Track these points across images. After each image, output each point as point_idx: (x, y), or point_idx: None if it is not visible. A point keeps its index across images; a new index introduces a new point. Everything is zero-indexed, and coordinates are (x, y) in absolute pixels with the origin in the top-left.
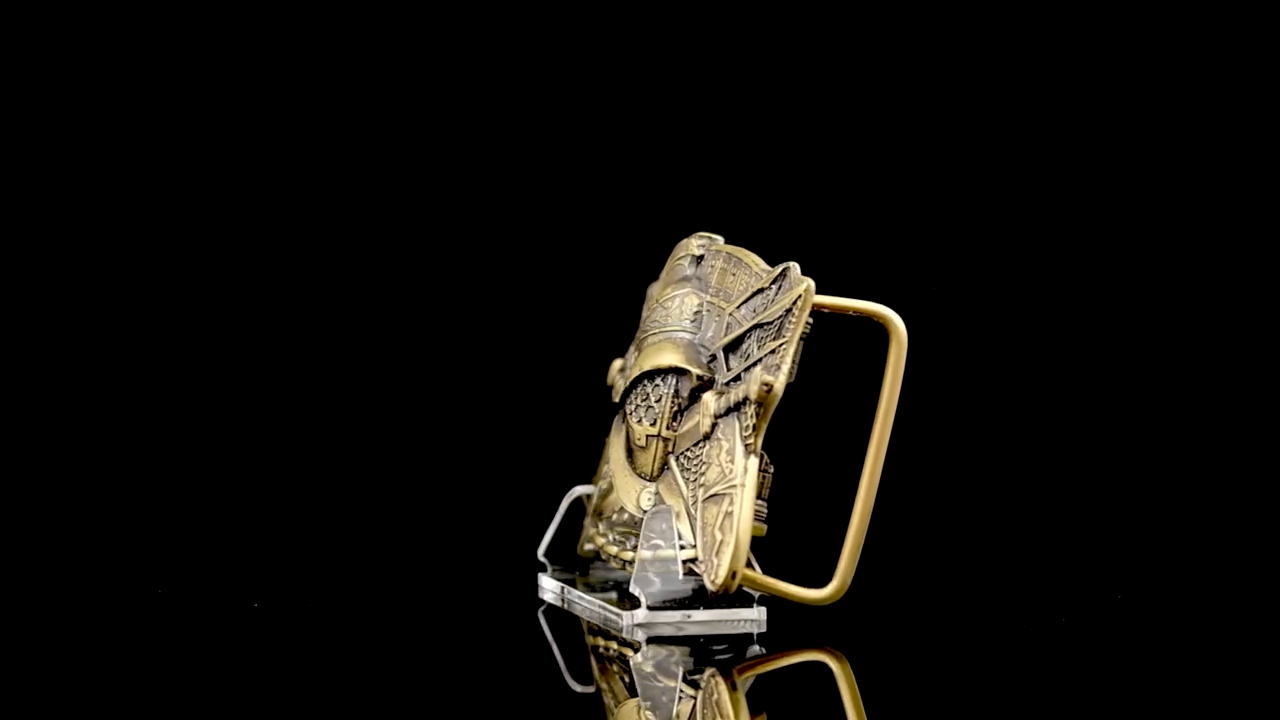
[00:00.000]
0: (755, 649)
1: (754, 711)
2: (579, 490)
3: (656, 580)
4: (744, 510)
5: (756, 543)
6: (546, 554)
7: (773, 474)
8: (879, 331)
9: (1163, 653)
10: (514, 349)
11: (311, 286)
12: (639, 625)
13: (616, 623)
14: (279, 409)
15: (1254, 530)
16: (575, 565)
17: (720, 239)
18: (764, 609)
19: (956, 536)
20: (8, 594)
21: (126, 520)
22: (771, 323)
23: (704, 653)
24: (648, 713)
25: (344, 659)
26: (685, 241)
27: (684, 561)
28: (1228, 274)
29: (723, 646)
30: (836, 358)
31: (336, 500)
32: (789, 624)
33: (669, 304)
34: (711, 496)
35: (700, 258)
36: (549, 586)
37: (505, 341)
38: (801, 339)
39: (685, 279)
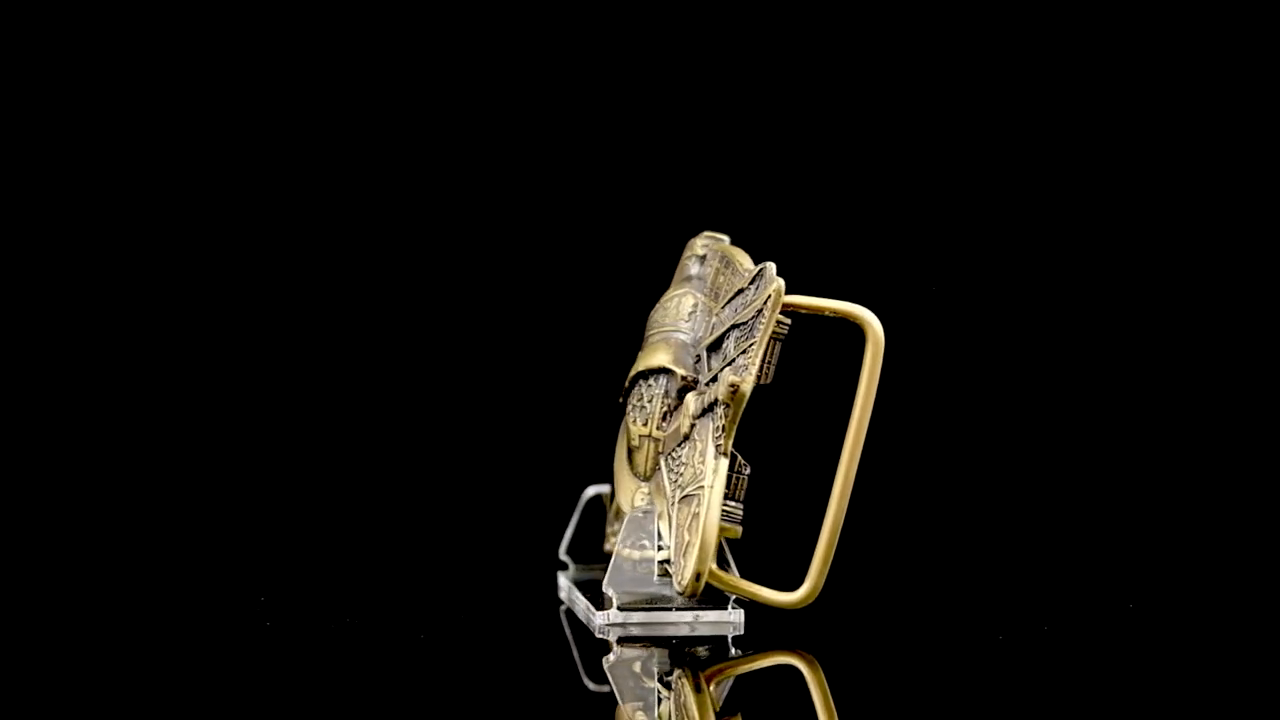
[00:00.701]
0: (733, 651)
1: (723, 714)
2: (593, 490)
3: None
4: (710, 512)
5: (733, 544)
6: (569, 553)
7: (749, 475)
8: (858, 332)
9: (1142, 657)
10: (537, 347)
11: (330, 296)
12: (611, 625)
13: (591, 621)
14: (302, 414)
15: (1236, 536)
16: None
17: (726, 239)
18: (741, 611)
19: (932, 540)
20: (8, 594)
21: (168, 527)
22: (746, 323)
23: (678, 654)
24: (639, 714)
25: (366, 658)
26: (692, 241)
27: (660, 562)
28: (1218, 273)
29: (697, 649)
30: (816, 359)
31: (359, 503)
32: (764, 627)
33: (669, 304)
34: (685, 498)
35: (704, 257)
36: (564, 585)
37: (527, 340)
38: (774, 340)
39: (688, 279)
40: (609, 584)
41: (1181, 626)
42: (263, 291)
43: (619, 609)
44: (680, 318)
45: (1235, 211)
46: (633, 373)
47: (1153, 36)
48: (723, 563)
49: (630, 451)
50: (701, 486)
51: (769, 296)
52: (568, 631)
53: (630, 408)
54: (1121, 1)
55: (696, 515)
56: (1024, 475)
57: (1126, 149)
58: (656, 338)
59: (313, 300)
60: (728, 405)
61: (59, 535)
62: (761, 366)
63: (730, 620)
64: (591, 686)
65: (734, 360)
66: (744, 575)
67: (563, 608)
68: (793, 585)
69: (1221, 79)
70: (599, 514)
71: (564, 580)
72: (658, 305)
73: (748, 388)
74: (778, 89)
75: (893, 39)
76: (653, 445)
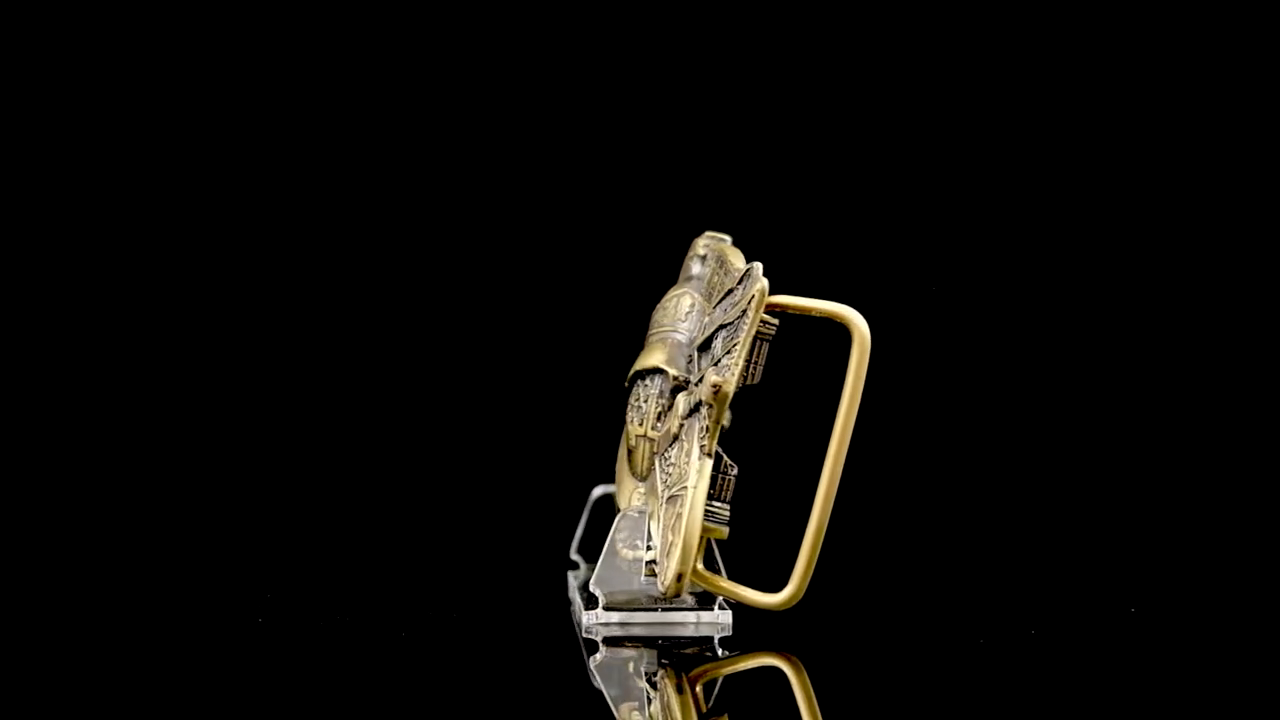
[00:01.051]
0: (720, 652)
1: (708, 715)
2: (600, 489)
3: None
4: (692, 513)
5: (720, 545)
6: (580, 552)
7: (735, 476)
8: (844, 333)
9: (1129, 660)
10: (546, 347)
11: (337, 298)
12: (598, 625)
13: (582, 621)
14: (316, 417)
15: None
16: None
17: (728, 239)
18: (729, 612)
19: (917, 543)
20: (9, 595)
21: (185, 534)
22: (732, 323)
23: (664, 654)
24: (629, 714)
25: (370, 657)
26: (695, 241)
27: (647, 563)
28: (1216, 273)
29: (690, 650)
30: (804, 359)
31: (369, 502)
32: (749, 628)
33: (669, 304)
34: (671, 498)
35: (705, 257)
36: (573, 585)
37: (535, 340)
38: (759, 340)
39: (689, 278)
40: (596, 584)
41: (1172, 627)
42: (268, 293)
43: (605, 609)
44: (679, 318)
45: (1232, 211)
46: (630, 373)
47: (1148, 36)
48: (711, 564)
49: (630, 451)
50: (685, 487)
51: (753, 296)
52: (578, 631)
53: (629, 408)
54: (1119, 1)
55: (680, 516)
56: (1011, 477)
57: (1119, 151)
58: (655, 338)
59: (319, 303)
60: (711, 405)
61: (59, 535)
62: (747, 367)
63: (718, 622)
64: (598, 686)
65: (719, 360)
66: (729, 576)
67: (572, 607)
68: (777, 586)
69: (1218, 79)
70: (610, 514)
71: (573, 580)
72: (659, 305)
73: (730, 388)
74: (782, 91)
75: (891, 42)
76: (648, 445)
